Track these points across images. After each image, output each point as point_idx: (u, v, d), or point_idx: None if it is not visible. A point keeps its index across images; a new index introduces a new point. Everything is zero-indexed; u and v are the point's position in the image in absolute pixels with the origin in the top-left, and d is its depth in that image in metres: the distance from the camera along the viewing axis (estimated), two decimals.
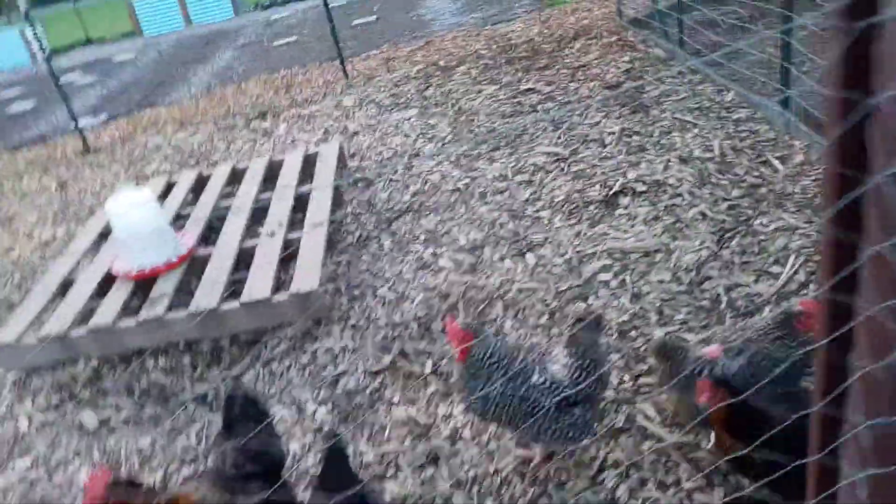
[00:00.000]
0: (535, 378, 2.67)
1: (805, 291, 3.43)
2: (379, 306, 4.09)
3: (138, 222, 3.98)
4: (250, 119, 7.81)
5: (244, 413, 2.57)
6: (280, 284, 4.06)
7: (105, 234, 4.87)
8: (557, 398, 2.63)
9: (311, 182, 4.99)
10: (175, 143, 7.56)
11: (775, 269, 3.68)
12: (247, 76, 10.67)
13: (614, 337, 3.40)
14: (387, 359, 3.67)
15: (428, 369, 3.56)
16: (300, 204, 4.79)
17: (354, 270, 4.44)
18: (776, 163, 4.57)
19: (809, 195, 4.17)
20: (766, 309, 3.38)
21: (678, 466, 2.74)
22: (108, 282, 4.28)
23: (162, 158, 7.16)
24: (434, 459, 3.05)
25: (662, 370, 2.77)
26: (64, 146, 8.94)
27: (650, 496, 2.65)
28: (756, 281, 3.60)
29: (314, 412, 3.44)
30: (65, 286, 4.36)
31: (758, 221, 4.10)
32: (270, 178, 5.18)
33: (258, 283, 3.91)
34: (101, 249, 4.67)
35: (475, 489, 2.89)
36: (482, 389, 2.65)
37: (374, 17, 13.14)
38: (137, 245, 4.08)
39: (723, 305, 3.50)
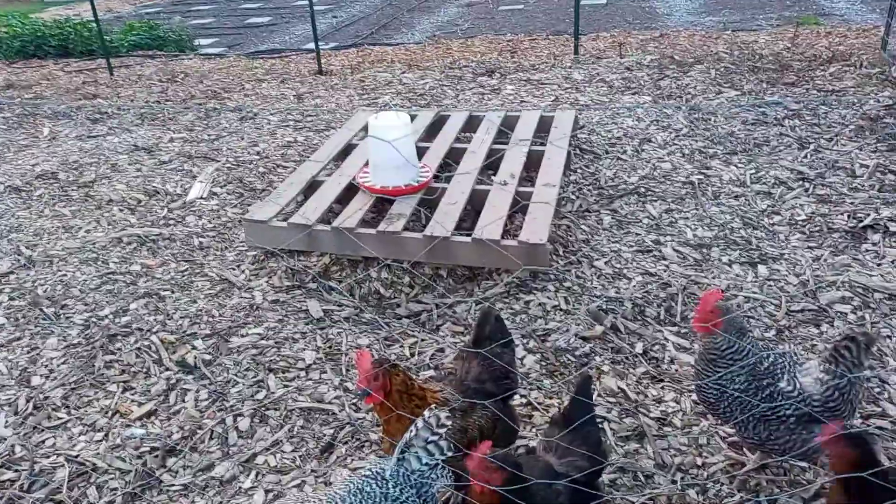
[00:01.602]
0: (783, 384, 2.60)
1: None
2: (595, 277, 4.12)
3: (395, 143, 4.21)
4: (477, 74, 8.00)
5: (493, 334, 2.70)
6: (506, 232, 4.17)
7: (349, 148, 5.23)
8: (802, 411, 2.55)
9: (544, 143, 5.06)
10: (405, 82, 7.91)
11: None
12: (471, 33, 10.93)
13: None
14: (599, 329, 3.70)
15: (639, 349, 3.56)
16: (531, 161, 4.88)
17: (573, 237, 4.49)
18: None
19: None
20: None
21: None
22: (349, 191, 4.60)
23: (393, 93, 7.52)
24: (640, 436, 3.07)
25: None
26: (298, 63, 9.61)
27: None
28: None
29: (522, 358, 3.54)
30: (311, 186, 4.72)
31: None
32: (504, 131, 5.31)
33: (489, 225, 4.04)
34: (346, 161, 5.01)
35: (679, 476, 2.88)
36: (720, 378, 2.62)
37: (605, 0, 12.97)
38: (388, 164, 4.35)
39: None
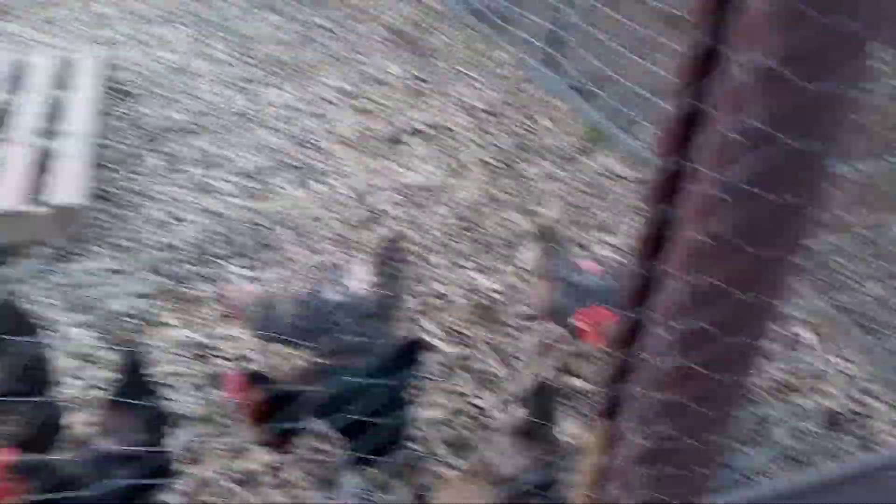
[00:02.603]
0: (330, 296, 2.71)
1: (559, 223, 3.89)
2: (148, 227, 3.79)
3: None
4: None
5: (13, 326, 2.28)
6: (31, 197, 3.56)
7: None
8: (361, 311, 2.70)
9: (67, 89, 4.42)
10: None
11: (537, 208, 4.20)
12: None
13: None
14: (159, 281, 3.44)
15: (205, 292, 3.41)
16: (54, 110, 4.22)
17: (118, 188, 4.05)
18: (542, 120, 5.07)
19: (567, 148, 4.73)
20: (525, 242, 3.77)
21: None
22: None
23: None
24: (216, 379, 2.96)
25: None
26: None
27: None
28: (521, 217, 4.10)
29: (75, 336, 3.12)
30: None
31: (524, 167, 4.55)
32: (15, 80, 4.48)
33: (6, 193, 3.41)
34: None
35: None
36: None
37: None
38: None
39: (491, 237, 3.92)
